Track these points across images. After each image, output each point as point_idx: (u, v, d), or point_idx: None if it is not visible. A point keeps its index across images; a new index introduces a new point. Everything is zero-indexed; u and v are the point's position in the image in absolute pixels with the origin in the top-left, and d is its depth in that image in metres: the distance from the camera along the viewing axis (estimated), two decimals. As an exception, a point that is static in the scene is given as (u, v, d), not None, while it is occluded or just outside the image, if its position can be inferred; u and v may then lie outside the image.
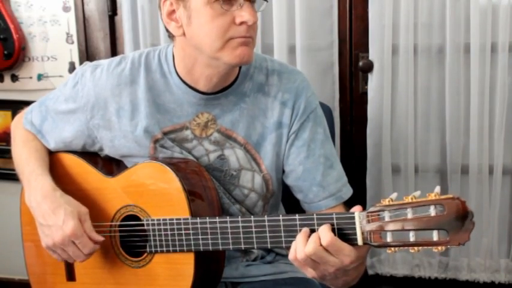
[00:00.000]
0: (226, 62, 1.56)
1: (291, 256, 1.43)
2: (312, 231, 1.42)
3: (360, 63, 2.61)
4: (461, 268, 2.68)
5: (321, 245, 1.37)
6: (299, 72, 1.75)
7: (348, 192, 1.73)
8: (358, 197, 2.60)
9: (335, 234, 1.39)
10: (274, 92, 1.69)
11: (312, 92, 1.73)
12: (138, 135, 1.69)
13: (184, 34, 1.58)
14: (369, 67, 2.58)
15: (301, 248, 1.40)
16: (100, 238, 1.63)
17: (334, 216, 1.40)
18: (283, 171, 1.74)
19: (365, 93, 2.64)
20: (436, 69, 2.57)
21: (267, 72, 1.71)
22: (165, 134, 1.68)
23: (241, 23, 1.52)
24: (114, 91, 1.70)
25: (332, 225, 1.40)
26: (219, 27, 1.51)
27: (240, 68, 1.68)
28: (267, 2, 1.61)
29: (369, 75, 2.61)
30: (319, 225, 1.41)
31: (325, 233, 1.38)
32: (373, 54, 2.57)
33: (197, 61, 1.61)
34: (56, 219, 1.60)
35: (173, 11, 1.57)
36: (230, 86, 1.68)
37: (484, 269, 2.66)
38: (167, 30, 1.63)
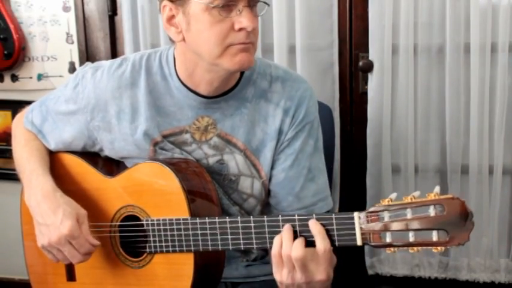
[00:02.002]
0: (226, 68, 1.55)
1: (274, 250, 1.44)
2: (310, 236, 1.43)
3: (360, 63, 2.61)
4: (461, 268, 2.68)
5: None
6: (303, 81, 1.74)
7: (323, 207, 1.72)
8: (358, 197, 2.63)
9: (334, 236, 1.40)
10: (277, 99, 1.68)
11: (314, 102, 1.73)
12: (137, 139, 1.68)
13: (184, 39, 1.57)
14: (369, 67, 2.58)
15: (288, 247, 1.41)
16: (96, 242, 1.63)
17: (333, 216, 1.40)
18: None
19: (365, 93, 2.64)
20: (436, 69, 2.57)
21: (271, 79, 1.70)
22: (164, 137, 1.68)
23: (241, 29, 1.50)
24: (115, 94, 1.70)
25: (332, 231, 1.41)
26: (218, 33, 1.50)
27: (243, 72, 1.68)
28: (268, 5, 1.60)
29: (369, 75, 2.61)
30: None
31: (323, 240, 1.39)
32: (373, 54, 2.57)
33: (198, 66, 1.60)
34: (54, 218, 1.60)
35: (173, 16, 1.56)
36: (231, 90, 1.67)
37: (484, 269, 2.66)
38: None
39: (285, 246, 1.41)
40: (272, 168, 1.71)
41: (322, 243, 1.39)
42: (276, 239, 1.44)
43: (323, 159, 1.76)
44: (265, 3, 1.59)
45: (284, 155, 1.69)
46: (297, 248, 1.40)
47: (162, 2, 1.57)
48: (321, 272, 1.41)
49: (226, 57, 1.53)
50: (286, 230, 1.43)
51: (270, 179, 1.72)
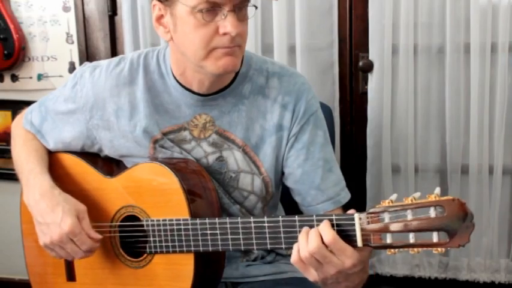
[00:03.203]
0: (210, 71, 1.55)
1: (293, 258, 1.42)
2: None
3: (360, 63, 2.61)
4: (461, 268, 2.68)
5: (323, 243, 1.37)
6: (300, 75, 1.75)
7: (346, 196, 1.73)
8: (358, 197, 2.63)
9: None
10: (274, 95, 1.69)
11: (313, 95, 1.73)
12: (137, 136, 1.69)
13: (172, 39, 1.58)
14: (369, 67, 2.58)
15: (304, 246, 1.39)
16: (98, 236, 1.64)
17: (334, 217, 1.40)
18: (283, 174, 1.74)
19: (365, 93, 2.64)
20: (436, 69, 2.57)
21: (267, 75, 1.71)
22: (164, 134, 1.69)
23: (225, 34, 1.50)
24: (113, 91, 1.70)
25: (332, 225, 1.40)
26: (202, 37, 1.50)
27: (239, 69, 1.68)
28: (256, 8, 1.59)
29: (369, 75, 2.61)
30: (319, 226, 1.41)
31: (326, 231, 1.37)
32: (373, 54, 2.57)
33: (187, 66, 1.61)
34: (54, 217, 1.61)
35: (161, 16, 1.57)
36: (228, 86, 1.67)
37: (484, 269, 2.66)
38: None
39: (301, 249, 1.39)
40: (287, 166, 1.71)
41: (327, 235, 1.37)
42: (294, 248, 1.42)
43: (332, 149, 1.77)
44: (254, 6, 1.58)
45: (295, 150, 1.69)
46: (311, 242, 1.37)
47: (152, 1, 1.58)
48: (348, 257, 1.37)
49: (210, 60, 1.53)
50: (301, 235, 1.41)
51: (288, 178, 1.72)
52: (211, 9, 1.48)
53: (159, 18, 1.58)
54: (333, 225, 1.39)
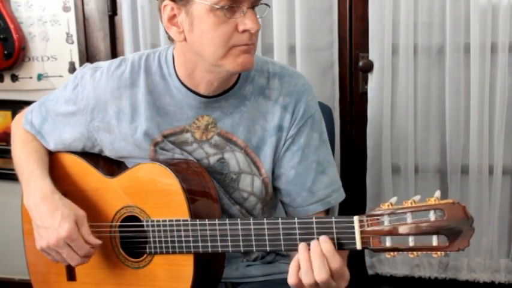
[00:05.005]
0: (229, 69, 1.55)
1: (292, 281, 1.42)
2: (310, 239, 1.42)
3: (360, 63, 2.61)
4: (461, 268, 2.68)
5: (330, 269, 1.38)
6: (300, 76, 1.75)
7: (338, 197, 1.73)
8: (358, 197, 2.63)
9: (334, 241, 1.40)
10: (275, 96, 1.69)
11: (313, 96, 1.73)
12: (138, 139, 1.68)
13: (185, 39, 1.56)
14: (369, 67, 2.58)
15: (308, 272, 1.39)
16: (97, 241, 1.63)
17: (333, 220, 1.40)
18: (273, 173, 1.73)
19: (365, 93, 2.64)
20: (436, 69, 2.57)
21: (268, 76, 1.70)
22: (165, 136, 1.68)
23: (244, 31, 1.50)
24: (114, 94, 1.69)
25: (331, 234, 1.40)
26: (222, 35, 1.50)
27: None
28: (269, 7, 1.60)
29: (369, 75, 2.61)
30: (318, 229, 1.42)
31: (334, 258, 1.39)
32: (373, 54, 2.57)
33: (198, 66, 1.60)
34: (52, 221, 1.60)
35: (174, 16, 1.55)
36: (231, 88, 1.67)
37: (484, 269, 2.66)
38: (167, 33, 1.62)
39: (305, 275, 1.40)
40: (280, 167, 1.71)
41: (334, 262, 1.38)
42: (291, 269, 1.43)
43: (330, 151, 1.76)
44: (266, 5, 1.58)
45: (290, 152, 1.69)
46: (322, 273, 1.38)
47: (162, 2, 1.56)
48: (345, 281, 1.42)
49: (229, 58, 1.53)
50: (302, 258, 1.41)
51: (279, 178, 1.72)
52: (231, 7, 1.48)
53: (172, 18, 1.56)
54: (332, 233, 1.40)
